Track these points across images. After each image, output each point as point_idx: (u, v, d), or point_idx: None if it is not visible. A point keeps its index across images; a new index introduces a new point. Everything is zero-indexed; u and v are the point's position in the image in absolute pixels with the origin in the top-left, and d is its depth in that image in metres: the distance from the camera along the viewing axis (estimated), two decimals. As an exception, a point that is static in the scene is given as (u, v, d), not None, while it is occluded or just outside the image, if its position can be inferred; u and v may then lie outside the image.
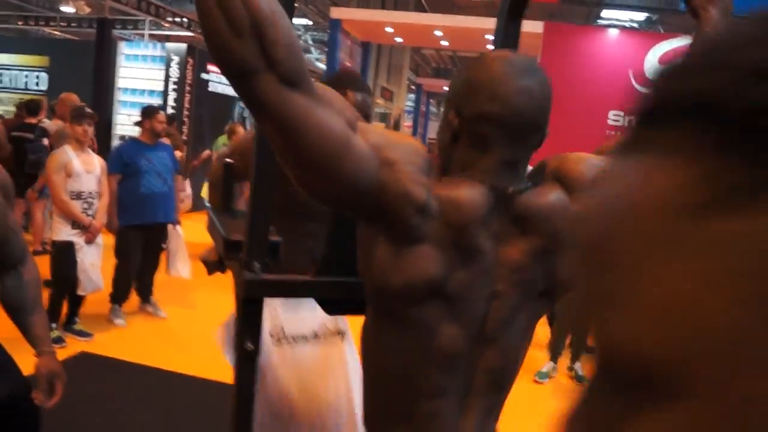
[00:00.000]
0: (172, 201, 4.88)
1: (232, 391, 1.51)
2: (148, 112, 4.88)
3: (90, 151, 4.55)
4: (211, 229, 1.73)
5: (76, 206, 4.31)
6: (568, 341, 4.70)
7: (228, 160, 2.01)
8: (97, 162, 4.51)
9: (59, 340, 4.27)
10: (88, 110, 4.58)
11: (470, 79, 1.05)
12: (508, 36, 1.58)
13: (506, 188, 1.05)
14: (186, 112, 10.21)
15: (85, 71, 8.77)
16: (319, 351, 2.14)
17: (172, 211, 4.91)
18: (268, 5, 0.88)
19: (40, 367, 1.72)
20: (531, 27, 8.70)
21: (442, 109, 1.15)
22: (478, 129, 1.05)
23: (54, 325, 4.31)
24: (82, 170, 4.36)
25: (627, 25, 19.90)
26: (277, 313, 2.11)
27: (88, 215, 4.37)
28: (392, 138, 1.04)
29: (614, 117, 7.86)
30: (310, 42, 26.05)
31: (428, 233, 1.01)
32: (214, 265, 2.05)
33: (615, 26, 19.84)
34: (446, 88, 1.10)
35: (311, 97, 0.92)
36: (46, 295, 4.16)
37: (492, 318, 1.08)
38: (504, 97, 1.02)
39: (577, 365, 4.61)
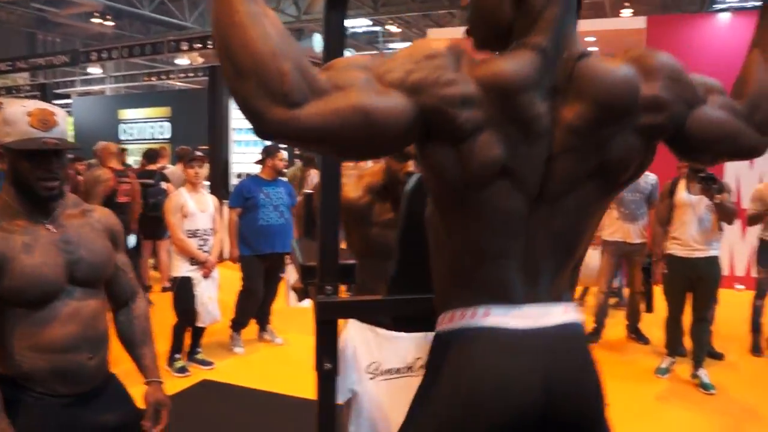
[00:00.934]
0: (290, 233, 5.09)
1: (316, 409, 1.57)
2: (269, 151, 5.16)
3: (203, 192, 4.87)
4: (293, 257, 1.81)
5: (193, 244, 4.62)
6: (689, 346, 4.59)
7: (308, 191, 2.10)
8: (210, 201, 4.82)
9: (183, 370, 4.57)
10: (198, 153, 4.92)
11: None
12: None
13: (559, 52, 1.06)
14: (297, 150, 10.63)
15: (202, 117, 9.37)
16: (414, 382, 2.16)
17: (288, 241, 5.12)
18: (268, 47, 0.90)
19: (147, 396, 1.85)
20: (635, 23, 8.37)
21: None
22: None
23: (178, 356, 4.63)
24: (197, 210, 4.67)
25: (749, 5, 18.64)
26: (371, 349, 2.18)
27: (204, 251, 4.66)
28: (409, 58, 1.02)
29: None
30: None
31: (481, 120, 1.02)
32: (302, 291, 2.13)
33: (731, 10, 18.70)
34: None
35: (321, 98, 0.94)
36: (168, 328, 4.53)
37: (551, 180, 1.09)
38: None
39: (702, 372, 4.45)
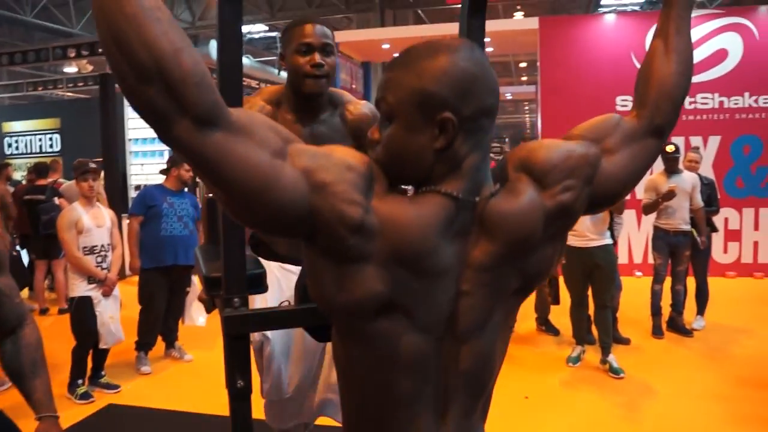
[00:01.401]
0: (194, 243, 4.89)
1: (231, 428, 1.47)
2: (175, 160, 4.94)
3: (99, 206, 4.60)
4: (197, 267, 1.70)
5: (90, 261, 4.35)
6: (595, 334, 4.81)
7: (210, 195, 1.98)
8: (107, 215, 4.56)
9: (86, 396, 4.29)
10: (92, 165, 4.62)
11: (456, 75, 0.98)
12: (472, 31, 1.53)
13: (472, 198, 1.01)
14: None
15: (95, 128, 8.88)
16: None
17: (192, 254, 4.91)
18: (170, 44, 0.83)
19: None
20: (527, 24, 8.65)
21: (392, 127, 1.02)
22: (481, 124, 1.01)
23: (80, 381, 4.34)
24: (93, 225, 4.40)
25: (628, 8, 19.76)
26: (281, 287, 2.11)
27: (102, 269, 4.40)
28: (327, 156, 0.97)
29: (622, 102, 7.73)
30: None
31: (369, 252, 0.96)
32: (208, 302, 2.01)
33: (615, 12, 19.75)
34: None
35: (230, 133, 0.89)
36: (68, 353, 4.24)
37: (461, 318, 1.03)
38: (495, 87, 1.03)
39: (611, 357, 4.65)
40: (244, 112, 0.95)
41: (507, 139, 18.44)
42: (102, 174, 5.15)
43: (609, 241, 4.67)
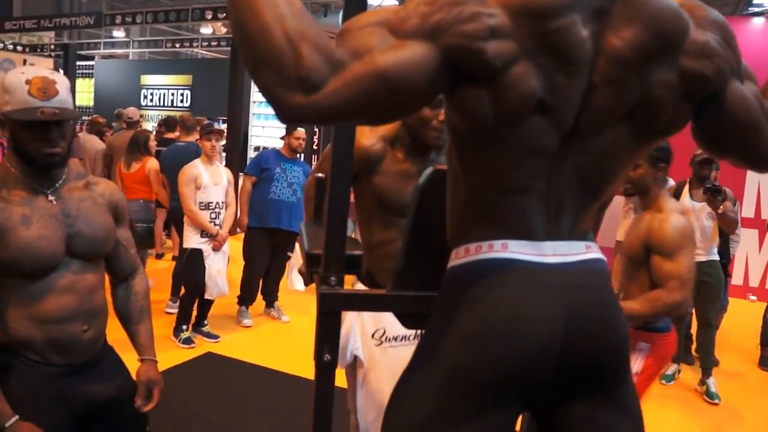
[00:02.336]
0: (300, 212, 5.05)
1: (312, 401, 1.54)
2: (288, 128, 5.15)
3: (218, 164, 4.84)
4: (300, 242, 1.78)
5: (205, 216, 4.61)
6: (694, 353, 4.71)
7: (319, 174, 2.06)
8: (224, 174, 4.80)
9: (189, 341, 4.59)
10: (217, 127, 4.89)
11: None
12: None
13: None
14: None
15: (223, 87, 9.32)
16: None
17: (298, 221, 5.11)
18: (282, 28, 0.85)
19: (140, 374, 1.84)
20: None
21: None
22: None
23: (185, 327, 4.65)
24: (210, 182, 4.64)
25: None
26: (377, 316, 2.16)
27: (215, 224, 4.65)
28: (420, 1, 0.94)
29: None
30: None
31: (513, 51, 0.94)
32: (307, 276, 2.10)
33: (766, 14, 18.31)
34: None
35: (340, 71, 0.89)
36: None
37: (586, 114, 1.01)
38: None
39: (710, 381, 4.47)
40: (343, 32, 0.94)
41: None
42: (224, 134, 5.42)
43: (716, 257, 4.50)
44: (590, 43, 0.97)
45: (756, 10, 18.37)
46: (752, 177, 6.89)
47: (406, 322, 1.58)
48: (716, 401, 4.29)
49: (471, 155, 1.07)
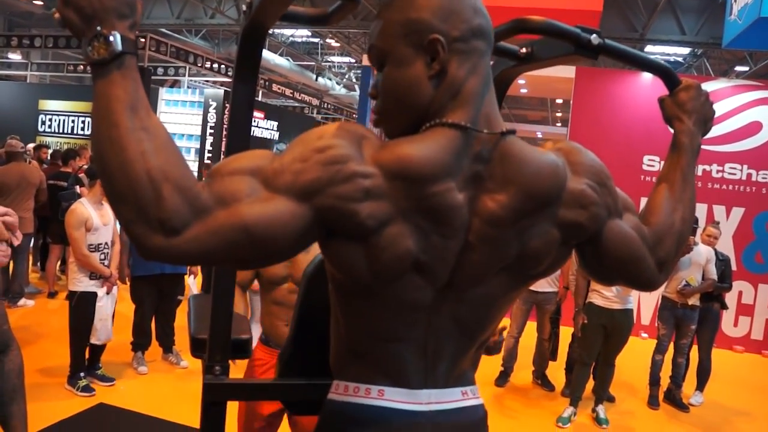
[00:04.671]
0: None
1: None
2: None
3: (105, 204, 4.64)
4: (188, 319, 1.72)
5: (96, 258, 4.43)
6: (590, 387, 4.99)
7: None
8: (111, 214, 4.62)
9: (88, 389, 4.39)
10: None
11: (442, 1, 1.00)
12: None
13: (480, 129, 0.99)
14: (223, 156, 10.44)
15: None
16: None
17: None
18: (145, 171, 0.82)
19: None
20: (564, 72, 8.63)
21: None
22: (474, 45, 1.01)
23: (82, 374, 4.43)
24: (100, 224, 4.48)
25: (671, 59, 19.68)
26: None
27: (105, 265, 4.49)
28: (299, 157, 0.92)
29: (648, 161, 7.69)
30: (354, 80, 26.45)
31: (388, 212, 0.94)
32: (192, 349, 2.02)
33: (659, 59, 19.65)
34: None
35: (205, 217, 0.86)
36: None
37: (462, 271, 1.02)
38: (482, 10, 1.03)
39: (600, 408, 4.86)
40: (213, 174, 0.92)
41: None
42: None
43: (631, 306, 4.76)
44: (466, 206, 0.98)
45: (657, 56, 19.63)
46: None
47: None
48: (605, 426, 4.72)
49: (348, 300, 1.07)
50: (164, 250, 0.84)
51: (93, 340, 4.45)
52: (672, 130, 1.31)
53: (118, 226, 4.65)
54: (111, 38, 0.85)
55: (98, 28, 0.85)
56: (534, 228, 1.03)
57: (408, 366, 1.07)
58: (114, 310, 4.62)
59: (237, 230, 0.87)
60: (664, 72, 1.30)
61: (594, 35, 1.17)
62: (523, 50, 1.34)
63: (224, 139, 10.51)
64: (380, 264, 0.96)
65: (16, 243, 1.77)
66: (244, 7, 1.27)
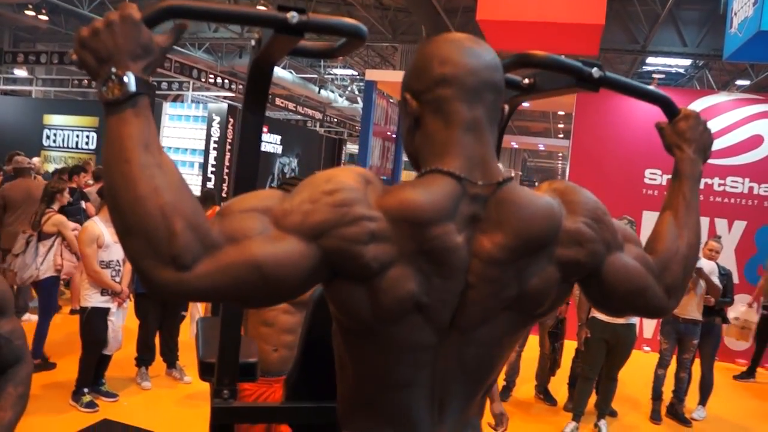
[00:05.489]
0: None
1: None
2: None
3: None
4: (196, 342, 1.75)
5: (107, 274, 4.48)
6: (592, 402, 4.99)
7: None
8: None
9: (92, 405, 4.43)
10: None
11: (416, 59, 1.08)
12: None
13: (473, 178, 1.02)
14: (226, 170, 10.49)
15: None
16: None
17: None
18: (158, 207, 0.84)
19: None
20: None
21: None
22: (438, 94, 1.05)
23: (86, 390, 4.46)
24: (112, 241, 4.52)
25: (673, 71, 19.73)
26: None
27: (116, 282, 4.54)
28: (308, 198, 0.95)
29: (650, 175, 7.72)
30: (356, 92, 26.56)
31: (391, 255, 0.97)
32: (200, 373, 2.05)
33: (660, 72, 19.72)
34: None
35: (215, 254, 0.88)
36: (72, 349, 4.31)
37: (465, 312, 1.04)
38: (454, 59, 1.05)
39: (602, 423, 4.87)
40: (223, 212, 0.95)
41: (537, 183, 18.43)
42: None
43: (635, 321, 4.79)
44: (465, 247, 1.01)
45: (649, 69, 19.71)
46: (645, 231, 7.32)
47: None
48: None
49: (353, 343, 1.09)
50: (173, 286, 0.86)
51: (106, 351, 4.54)
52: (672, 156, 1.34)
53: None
54: (125, 79, 0.88)
55: (112, 69, 0.89)
56: (532, 268, 1.05)
57: (415, 414, 1.08)
58: (123, 322, 4.68)
59: (248, 268, 0.89)
60: (664, 101, 1.33)
61: (595, 68, 1.21)
62: (526, 81, 1.37)
63: (227, 154, 10.58)
64: (383, 305, 0.98)
65: None
66: (252, 42, 1.30)
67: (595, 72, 1.21)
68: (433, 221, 0.97)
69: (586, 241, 1.08)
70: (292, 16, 1.04)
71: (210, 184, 10.49)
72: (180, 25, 0.97)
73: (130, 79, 0.88)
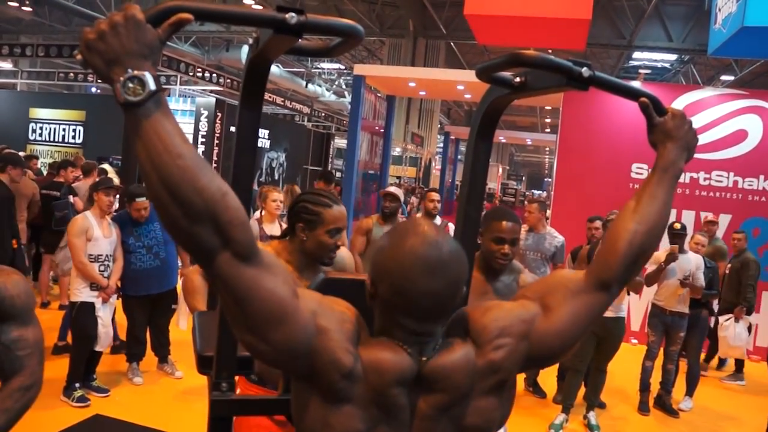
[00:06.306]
0: (169, 271, 4.97)
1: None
2: (129, 197, 4.82)
3: (108, 218, 4.72)
4: (193, 335, 1.77)
5: (94, 267, 4.50)
6: (581, 394, 5.07)
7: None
8: (113, 228, 4.70)
9: (83, 399, 4.44)
10: (116, 183, 4.77)
11: (386, 258, 1.13)
12: (477, 155, 1.57)
13: (419, 357, 1.13)
14: (214, 165, 10.47)
15: (118, 125, 9.02)
16: None
17: (170, 279, 5.02)
18: (218, 190, 0.95)
19: None
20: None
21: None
22: (391, 302, 1.13)
23: (77, 385, 4.47)
24: (101, 235, 4.55)
25: (659, 66, 19.87)
26: None
27: (104, 277, 4.56)
28: (326, 305, 1.11)
29: (637, 169, 7.79)
30: (344, 86, 26.52)
31: (353, 395, 1.08)
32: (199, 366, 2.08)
33: (646, 67, 19.85)
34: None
35: (262, 268, 1.02)
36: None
37: None
38: (410, 291, 1.10)
39: (591, 414, 4.95)
40: (267, 252, 1.06)
41: (524, 177, 18.48)
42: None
43: (623, 314, 4.87)
44: (407, 408, 1.12)
45: (635, 63, 19.83)
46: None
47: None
48: None
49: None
50: (229, 268, 0.99)
51: (98, 348, 4.55)
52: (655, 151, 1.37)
53: (120, 242, 4.74)
54: (144, 79, 0.92)
55: (130, 70, 0.92)
56: (465, 411, 1.15)
57: None
58: (111, 317, 4.69)
59: (281, 304, 1.03)
60: (651, 101, 1.37)
61: (585, 68, 1.23)
62: (517, 80, 1.40)
63: (216, 148, 10.55)
64: (332, 430, 1.08)
65: None
66: (250, 40, 1.32)
67: (585, 72, 1.23)
68: (393, 383, 1.09)
69: (499, 366, 1.17)
70: (291, 17, 1.06)
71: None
72: (180, 18, 0.98)
73: (148, 79, 0.92)
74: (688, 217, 7.53)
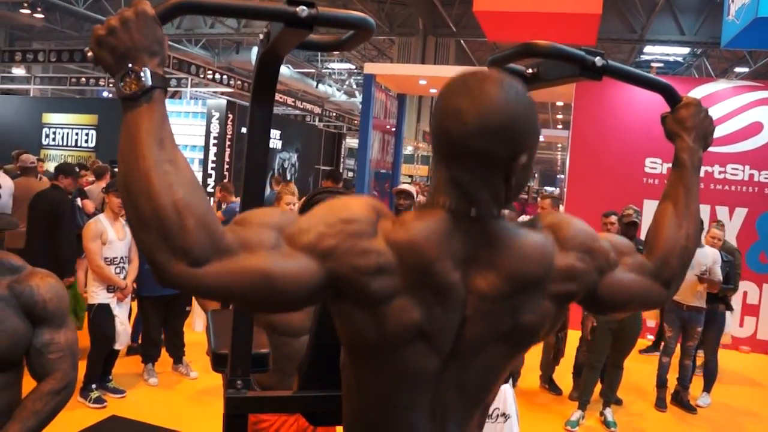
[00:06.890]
0: None
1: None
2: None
3: (122, 220, 4.74)
4: (207, 334, 1.76)
5: (110, 270, 4.54)
6: (598, 391, 5.04)
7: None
8: (127, 229, 4.71)
9: (100, 401, 4.48)
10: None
11: (439, 96, 1.10)
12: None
13: (467, 210, 1.06)
14: (227, 166, 10.50)
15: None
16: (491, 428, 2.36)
17: None
18: (170, 196, 0.87)
19: None
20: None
21: None
22: (436, 143, 1.09)
23: (94, 386, 4.51)
24: (116, 238, 4.58)
25: (671, 59, 19.73)
26: None
27: (120, 278, 4.60)
28: (324, 221, 1.00)
29: (650, 164, 7.73)
30: (354, 86, 26.55)
31: (396, 286, 1.01)
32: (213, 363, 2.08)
33: (658, 61, 19.71)
34: None
35: (226, 257, 0.91)
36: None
37: (463, 341, 1.09)
38: (457, 111, 1.04)
39: (608, 411, 4.93)
40: (239, 222, 0.99)
41: (536, 174, 18.43)
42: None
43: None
44: (461, 284, 1.06)
45: (647, 58, 19.69)
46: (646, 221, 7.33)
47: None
48: (613, 429, 4.77)
49: (358, 366, 1.13)
50: (184, 279, 0.88)
51: (117, 346, 4.60)
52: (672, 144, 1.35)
53: (134, 244, 4.74)
54: (142, 74, 0.90)
55: (129, 65, 0.90)
56: (526, 305, 1.10)
57: None
58: (130, 317, 4.73)
59: (259, 277, 0.93)
60: (665, 89, 1.34)
61: (598, 57, 1.22)
62: (530, 71, 1.38)
63: (228, 150, 10.58)
64: (388, 331, 1.03)
65: None
66: (261, 36, 1.31)
67: (598, 61, 1.22)
68: (435, 260, 1.03)
69: (578, 275, 1.13)
70: (302, 10, 1.05)
71: (211, 181, 10.50)
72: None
73: (146, 74, 0.90)
74: (703, 212, 7.44)
